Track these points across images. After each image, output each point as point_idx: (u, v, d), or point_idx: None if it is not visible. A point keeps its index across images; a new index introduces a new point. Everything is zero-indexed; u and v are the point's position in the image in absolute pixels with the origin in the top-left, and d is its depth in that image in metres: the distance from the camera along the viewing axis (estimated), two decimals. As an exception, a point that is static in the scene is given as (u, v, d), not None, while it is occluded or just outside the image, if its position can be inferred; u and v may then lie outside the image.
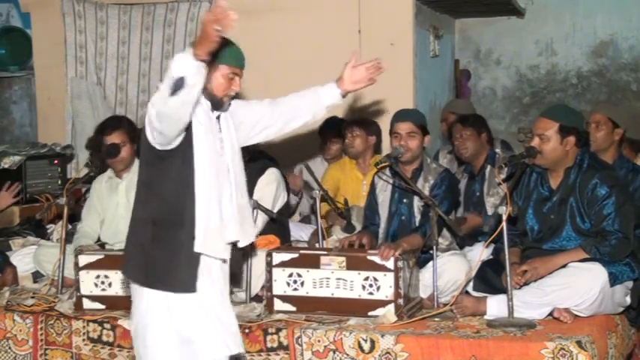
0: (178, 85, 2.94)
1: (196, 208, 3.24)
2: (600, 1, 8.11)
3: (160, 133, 3.13)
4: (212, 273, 3.34)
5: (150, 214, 3.28)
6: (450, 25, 8.18)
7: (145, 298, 3.30)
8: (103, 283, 4.37)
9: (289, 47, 6.66)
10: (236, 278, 4.16)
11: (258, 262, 4.35)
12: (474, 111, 6.27)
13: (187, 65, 2.93)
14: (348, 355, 3.89)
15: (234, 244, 3.40)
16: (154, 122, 3.10)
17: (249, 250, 4.28)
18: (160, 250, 3.25)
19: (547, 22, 8.25)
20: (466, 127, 5.23)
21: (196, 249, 3.25)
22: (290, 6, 6.58)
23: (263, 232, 4.72)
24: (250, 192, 4.66)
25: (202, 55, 2.92)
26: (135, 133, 4.94)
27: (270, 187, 4.80)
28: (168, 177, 3.24)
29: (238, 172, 3.42)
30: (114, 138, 4.87)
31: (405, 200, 4.61)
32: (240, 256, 3.77)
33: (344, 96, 3.65)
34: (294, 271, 4.19)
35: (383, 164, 4.65)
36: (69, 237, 4.87)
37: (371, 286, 4.09)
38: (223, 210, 3.32)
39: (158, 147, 3.20)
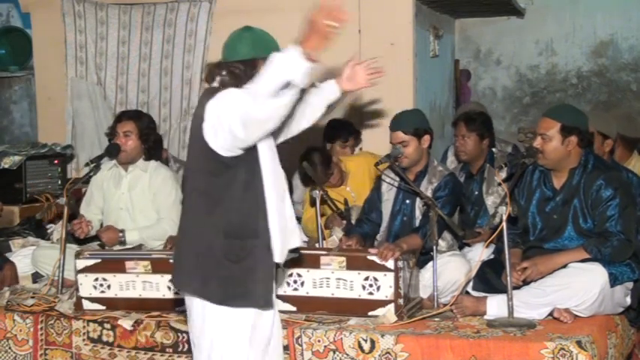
0: (284, 88, 2.79)
1: (269, 216, 3.09)
2: (600, 1, 8.10)
3: (243, 141, 2.95)
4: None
5: (218, 226, 3.07)
6: (450, 25, 8.18)
7: (219, 316, 3.09)
8: (101, 285, 4.37)
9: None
10: None
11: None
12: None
13: (297, 67, 2.76)
14: (348, 355, 3.89)
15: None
16: (235, 130, 2.89)
17: None
18: (238, 265, 3.06)
19: (547, 22, 8.25)
20: (470, 130, 5.14)
21: (276, 259, 3.11)
22: (290, 6, 6.55)
23: None
24: None
25: (313, 54, 2.78)
26: (148, 132, 4.96)
27: None
28: (235, 186, 3.06)
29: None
30: (125, 126, 4.91)
31: (407, 201, 4.61)
32: None
33: (343, 95, 3.53)
34: (295, 271, 4.19)
35: (382, 164, 4.65)
36: (69, 237, 4.87)
37: (371, 286, 4.08)
38: (287, 216, 3.19)
39: (225, 154, 3.02)
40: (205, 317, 3.12)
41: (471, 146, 5.15)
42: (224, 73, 3.13)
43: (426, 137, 4.59)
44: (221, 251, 3.07)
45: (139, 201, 4.97)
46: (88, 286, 4.38)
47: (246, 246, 3.07)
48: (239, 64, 3.11)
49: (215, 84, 3.15)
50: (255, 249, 3.08)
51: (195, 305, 3.14)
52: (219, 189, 3.08)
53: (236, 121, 2.89)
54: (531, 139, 4.25)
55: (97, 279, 4.37)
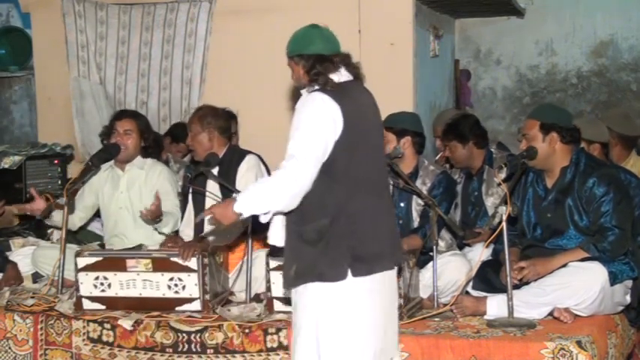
0: None
1: None
2: (600, 1, 8.11)
3: None
4: None
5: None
6: (450, 25, 8.18)
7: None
8: (102, 284, 4.37)
9: (289, 47, 6.65)
10: None
11: (259, 263, 4.36)
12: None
13: None
14: (348, 355, 3.88)
15: None
16: None
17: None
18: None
19: (547, 22, 8.25)
20: (448, 140, 5.09)
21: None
22: (290, 6, 6.57)
23: None
24: (232, 182, 4.59)
25: None
26: (148, 130, 4.98)
27: (250, 172, 4.71)
28: None
29: None
30: (125, 124, 4.92)
31: (402, 204, 4.61)
32: None
33: None
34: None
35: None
36: (69, 237, 4.87)
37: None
38: None
39: None
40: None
41: (457, 154, 5.08)
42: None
43: (407, 139, 4.58)
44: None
45: (139, 199, 4.96)
46: (88, 284, 4.37)
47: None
48: None
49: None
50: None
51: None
52: None
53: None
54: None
55: (97, 277, 4.37)
